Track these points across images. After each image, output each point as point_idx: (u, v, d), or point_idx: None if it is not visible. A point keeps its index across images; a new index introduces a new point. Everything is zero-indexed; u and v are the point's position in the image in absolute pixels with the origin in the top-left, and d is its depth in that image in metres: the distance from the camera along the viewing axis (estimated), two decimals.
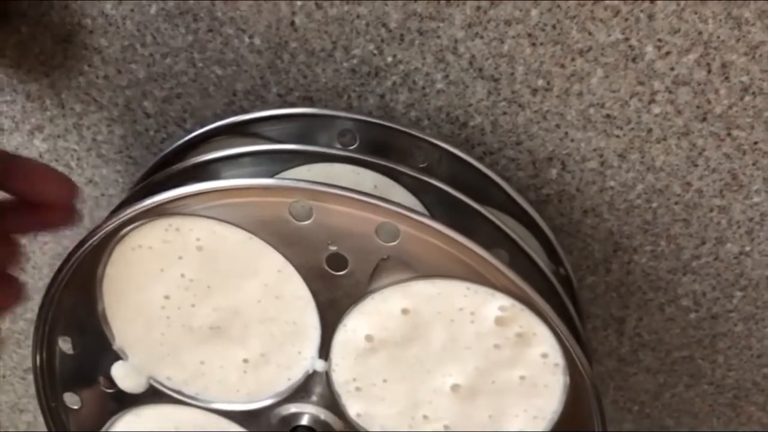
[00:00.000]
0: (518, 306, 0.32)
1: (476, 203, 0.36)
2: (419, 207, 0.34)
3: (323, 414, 0.36)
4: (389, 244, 0.31)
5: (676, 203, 0.42)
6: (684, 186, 0.42)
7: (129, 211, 0.32)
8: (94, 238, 0.33)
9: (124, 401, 0.38)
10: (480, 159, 0.42)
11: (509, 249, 0.36)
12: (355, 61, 0.40)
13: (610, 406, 0.50)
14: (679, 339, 0.47)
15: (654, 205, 0.42)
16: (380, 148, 0.38)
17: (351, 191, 0.30)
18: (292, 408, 0.37)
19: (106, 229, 0.32)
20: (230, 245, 0.33)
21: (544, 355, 0.33)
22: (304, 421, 0.37)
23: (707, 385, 0.49)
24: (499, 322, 0.32)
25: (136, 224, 0.33)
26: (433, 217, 0.33)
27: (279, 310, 0.34)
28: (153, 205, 0.32)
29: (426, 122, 0.42)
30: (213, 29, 0.41)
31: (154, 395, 0.38)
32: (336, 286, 0.33)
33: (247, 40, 0.41)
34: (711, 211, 0.42)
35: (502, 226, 0.35)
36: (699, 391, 0.49)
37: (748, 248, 0.43)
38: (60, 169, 0.46)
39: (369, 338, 0.34)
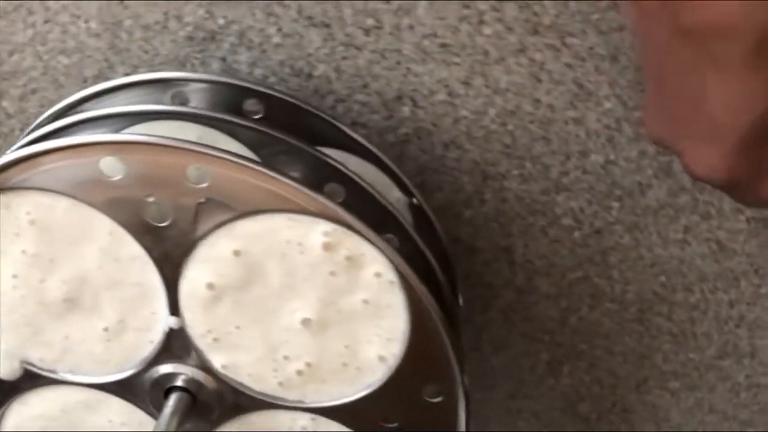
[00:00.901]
0: (340, 229, 0.33)
1: (307, 144, 0.36)
2: (242, 151, 0.35)
3: (191, 371, 0.37)
4: (201, 186, 0.32)
5: (531, 122, 0.43)
6: (534, 103, 0.42)
7: None
8: None
9: (5, 390, 0.39)
10: (333, 108, 0.43)
11: (348, 184, 0.36)
12: (189, 28, 0.41)
13: (520, 339, 0.50)
14: (569, 260, 0.47)
15: (510, 127, 0.43)
16: (214, 105, 0.38)
17: (147, 136, 0.31)
18: (162, 370, 0.37)
19: None
20: (59, 214, 0.34)
21: (378, 275, 0.33)
22: (176, 381, 0.37)
23: (610, 303, 0.49)
24: (327, 247, 0.33)
25: None
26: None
27: (121, 273, 0.35)
28: None
29: (273, 78, 0.42)
30: (49, 20, 0.42)
31: (32, 379, 0.38)
32: (164, 238, 0.33)
33: (83, 25, 0.42)
34: (566, 124, 0.42)
35: (329, 160, 0.35)
36: (603, 310, 0.49)
37: (612, 156, 0.43)
38: None
39: (210, 286, 0.34)
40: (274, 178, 0.31)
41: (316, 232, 0.33)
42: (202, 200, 0.32)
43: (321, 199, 0.32)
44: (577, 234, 0.46)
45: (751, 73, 0.28)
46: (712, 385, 0.51)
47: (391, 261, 0.33)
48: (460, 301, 0.43)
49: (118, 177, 0.32)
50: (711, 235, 0.45)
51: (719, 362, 0.50)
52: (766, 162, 0.31)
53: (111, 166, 0.32)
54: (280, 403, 0.37)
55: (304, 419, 0.37)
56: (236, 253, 0.33)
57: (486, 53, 0.41)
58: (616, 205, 0.45)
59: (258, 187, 0.32)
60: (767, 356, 0.50)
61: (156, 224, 0.33)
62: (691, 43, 0.28)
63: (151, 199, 0.32)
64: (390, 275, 0.33)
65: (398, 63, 0.41)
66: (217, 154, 0.31)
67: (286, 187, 0.32)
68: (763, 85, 0.28)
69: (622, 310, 0.49)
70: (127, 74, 0.42)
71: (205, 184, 0.32)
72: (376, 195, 0.36)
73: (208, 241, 0.33)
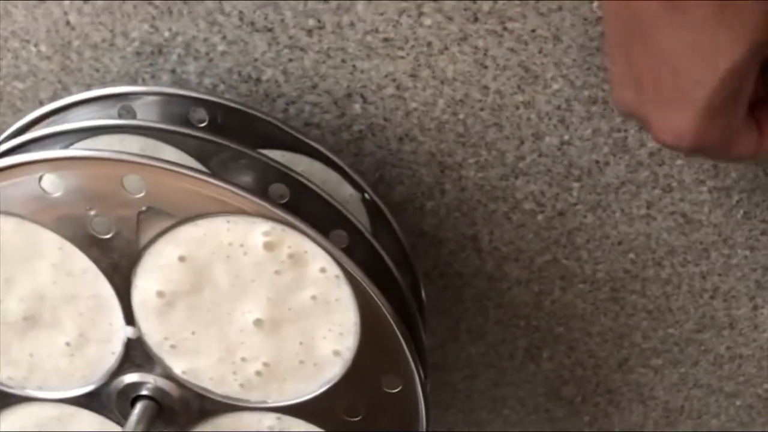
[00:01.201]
0: (279, 227, 0.33)
1: (250, 149, 0.37)
2: (183, 159, 0.35)
3: (154, 379, 0.37)
4: (138, 195, 0.32)
5: (481, 109, 0.43)
6: (482, 90, 0.42)
7: None
8: None
9: None
10: (285, 110, 0.43)
11: (292, 184, 0.37)
12: (136, 43, 0.42)
13: (496, 326, 0.50)
14: (536, 243, 0.47)
15: (461, 116, 0.43)
16: (161, 117, 0.39)
17: (80, 151, 0.31)
18: (126, 380, 0.38)
19: None
20: (7, 234, 0.34)
21: (323, 270, 0.34)
22: (141, 390, 0.38)
23: (582, 284, 0.49)
24: (268, 247, 0.33)
25: None
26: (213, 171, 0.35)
27: (76, 287, 0.35)
28: None
29: (222, 86, 0.43)
30: (0, 47, 0.42)
31: (3, 398, 0.39)
32: (111, 249, 0.34)
33: (33, 49, 0.42)
34: (517, 108, 0.43)
35: (272, 162, 0.36)
36: (576, 291, 0.49)
37: (566, 137, 0.43)
38: None
39: (160, 294, 0.35)
40: (206, 182, 0.32)
41: (256, 232, 0.33)
42: (143, 209, 0.33)
43: (256, 199, 0.32)
44: (540, 217, 0.46)
45: (719, 26, 0.27)
46: (694, 360, 0.51)
47: (332, 255, 0.33)
48: (422, 290, 0.43)
49: (59, 193, 0.33)
50: (675, 208, 0.45)
51: (699, 336, 0.50)
52: (735, 125, 0.30)
53: (51, 183, 0.33)
54: (243, 404, 0.37)
55: (269, 419, 0.38)
56: (182, 258, 0.34)
57: (429, 44, 0.41)
58: (576, 185, 0.45)
59: (194, 192, 0.32)
60: (746, 326, 0.50)
61: (101, 236, 0.34)
62: None
63: (92, 212, 0.33)
64: (335, 270, 0.34)
65: (344, 61, 0.42)
66: (148, 162, 0.31)
67: (221, 190, 0.32)
68: (730, 39, 0.28)
69: (594, 290, 0.49)
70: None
71: (142, 194, 0.32)
72: (322, 193, 0.36)
73: (154, 249, 0.34)
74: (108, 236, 0.34)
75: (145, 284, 0.35)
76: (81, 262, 0.35)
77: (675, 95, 0.30)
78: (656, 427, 0.54)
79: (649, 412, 0.54)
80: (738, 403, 0.53)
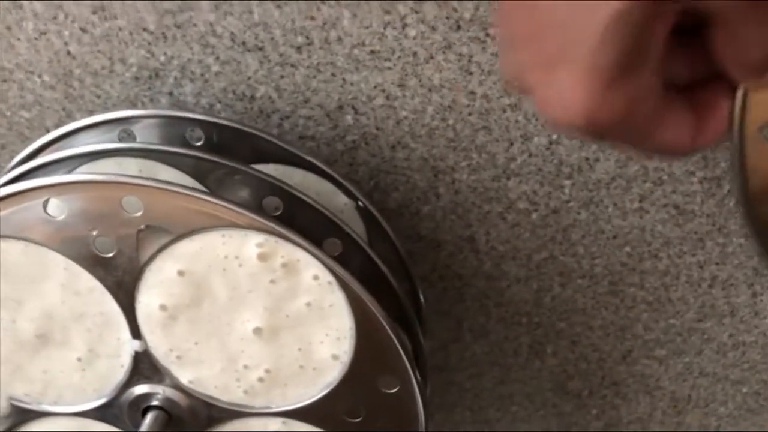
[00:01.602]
0: (272, 239, 0.34)
1: (243, 164, 0.38)
2: (179, 178, 0.37)
3: (163, 390, 0.39)
4: (137, 215, 0.34)
5: (470, 114, 0.44)
6: (469, 96, 0.43)
7: None
8: None
9: None
10: (279, 125, 0.45)
11: (285, 196, 0.38)
12: (134, 69, 0.44)
13: (499, 325, 0.51)
14: (532, 242, 0.48)
15: (450, 122, 0.44)
16: (160, 139, 0.41)
17: (81, 176, 0.33)
18: (136, 391, 0.39)
19: None
20: (15, 257, 0.36)
21: (316, 277, 0.35)
22: (150, 401, 0.39)
23: (580, 279, 0.50)
24: (262, 257, 0.35)
25: None
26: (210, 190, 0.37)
27: (84, 305, 0.37)
28: None
29: (218, 105, 0.45)
30: (6, 79, 0.44)
31: (21, 414, 0.41)
32: (114, 267, 0.36)
33: (37, 79, 0.44)
34: (504, 111, 0.44)
35: (264, 176, 0.37)
36: (575, 287, 0.50)
37: (555, 136, 0.44)
38: None
39: (163, 308, 0.36)
40: (199, 198, 0.33)
41: (249, 244, 0.35)
42: (142, 227, 0.34)
43: (247, 212, 0.33)
44: (534, 216, 0.47)
45: None
46: (698, 349, 0.52)
47: (324, 263, 0.34)
48: (421, 294, 0.44)
49: (63, 216, 0.34)
50: (667, 201, 0.46)
51: (700, 324, 0.51)
52: (647, 100, 0.25)
53: (56, 207, 0.35)
54: (248, 410, 0.39)
55: (275, 423, 0.39)
56: (180, 273, 0.36)
57: (415, 54, 0.42)
58: (567, 183, 0.46)
59: (189, 208, 0.34)
60: (747, 313, 0.50)
61: (104, 255, 0.35)
62: None
63: (95, 233, 0.35)
64: (327, 276, 0.35)
65: (333, 75, 0.43)
66: (145, 183, 0.33)
67: (214, 205, 0.34)
68: None
69: (593, 285, 0.50)
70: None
71: (140, 213, 0.34)
72: (315, 203, 0.37)
73: (154, 265, 0.35)
74: (110, 255, 0.35)
75: (148, 299, 0.36)
76: (87, 281, 0.36)
77: (559, 54, 0.24)
78: (664, 417, 0.55)
79: (656, 402, 0.54)
80: (744, 390, 0.53)
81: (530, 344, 0.52)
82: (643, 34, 0.23)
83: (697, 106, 0.27)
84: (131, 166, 0.37)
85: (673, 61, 0.26)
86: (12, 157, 0.47)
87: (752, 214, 0.32)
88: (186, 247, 0.35)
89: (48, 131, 0.46)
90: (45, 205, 0.35)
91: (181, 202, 0.34)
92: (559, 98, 0.25)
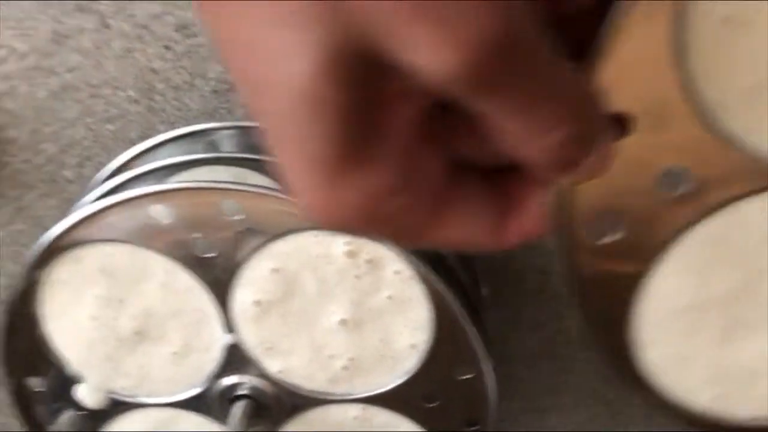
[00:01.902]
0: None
1: None
2: (269, 183, 0.40)
3: (251, 380, 0.42)
4: (236, 218, 0.37)
5: None
6: None
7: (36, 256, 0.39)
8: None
9: (98, 418, 0.45)
10: None
11: None
12: (213, 83, 0.47)
13: (552, 317, 0.54)
14: None
15: None
16: (244, 148, 0.44)
17: (185, 183, 0.36)
18: (225, 382, 0.42)
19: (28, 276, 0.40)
20: (121, 259, 0.39)
21: (397, 272, 0.38)
22: (239, 390, 0.42)
23: None
24: (349, 255, 0.38)
25: (45, 266, 0.40)
26: None
27: (181, 302, 0.40)
28: (49, 244, 0.39)
29: None
30: (94, 95, 0.48)
31: (119, 406, 0.44)
32: (213, 266, 0.39)
33: (122, 94, 0.48)
34: None
35: None
36: None
37: None
38: (16, 249, 0.53)
39: (257, 303, 0.40)
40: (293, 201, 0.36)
41: (338, 243, 0.38)
42: (240, 230, 0.38)
43: None
44: None
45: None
46: None
47: (406, 259, 0.37)
48: (482, 287, 0.47)
49: (168, 221, 0.38)
50: None
51: None
52: (392, 194, 0.19)
53: (160, 213, 0.38)
54: (331, 398, 0.42)
55: (355, 410, 0.42)
56: (274, 271, 0.39)
57: None
58: None
59: (284, 212, 0.37)
60: None
61: (204, 256, 0.39)
62: None
63: (197, 236, 0.38)
64: (408, 271, 0.38)
65: None
66: (243, 188, 0.36)
67: None
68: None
69: None
70: (165, 132, 0.48)
71: (239, 216, 0.37)
72: None
73: (250, 264, 0.39)
74: (210, 255, 0.38)
75: (242, 296, 0.40)
76: (185, 280, 0.40)
77: (274, 129, 0.19)
78: None
79: None
80: None
81: (581, 336, 0.55)
82: (364, 116, 0.18)
83: (504, 196, 0.21)
84: (223, 174, 0.40)
85: (468, 140, 0.21)
86: (98, 168, 0.50)
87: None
88: (280, 246, 0.38)
89: (131, 142, 0.49)
90: (150, 210, 0.38)
91: (276, 206, 0.37)
92: (290, 186, 0.20)
